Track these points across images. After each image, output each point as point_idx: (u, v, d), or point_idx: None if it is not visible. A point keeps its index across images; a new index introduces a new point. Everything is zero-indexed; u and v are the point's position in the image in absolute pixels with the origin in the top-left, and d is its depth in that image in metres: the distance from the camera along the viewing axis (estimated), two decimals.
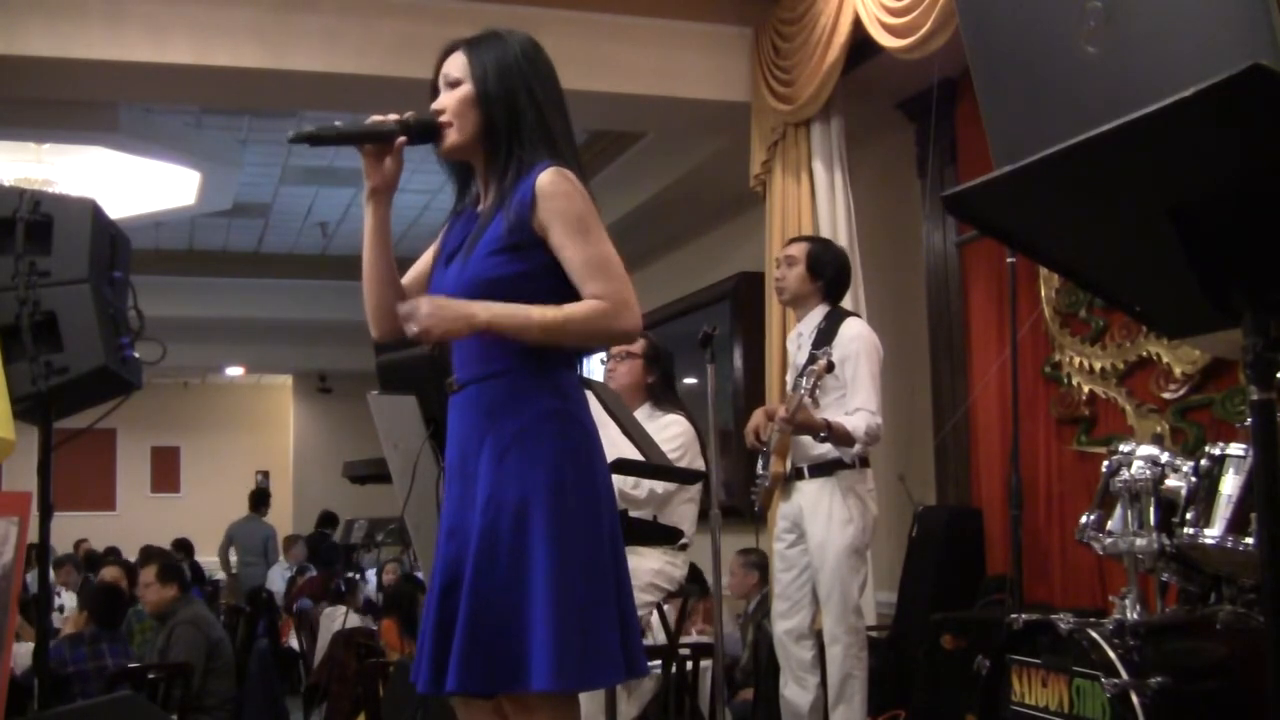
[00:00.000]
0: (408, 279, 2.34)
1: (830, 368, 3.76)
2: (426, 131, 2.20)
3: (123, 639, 5.21)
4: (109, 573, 6.89)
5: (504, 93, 2.18)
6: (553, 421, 2.11)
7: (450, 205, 2.37)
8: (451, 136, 2.19)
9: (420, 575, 6.02)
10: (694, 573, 4.78)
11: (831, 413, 3.84)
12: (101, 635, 4.97)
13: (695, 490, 3.99)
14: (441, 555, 2.13)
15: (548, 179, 2.11)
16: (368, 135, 2.19)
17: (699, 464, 3.97)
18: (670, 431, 3.92)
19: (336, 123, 2.20)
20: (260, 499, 11.98)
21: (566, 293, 2.13)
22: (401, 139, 2.18)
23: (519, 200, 2.12)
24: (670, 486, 3.83)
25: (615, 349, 4.06)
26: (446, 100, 2.20)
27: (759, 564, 5.54)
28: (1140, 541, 3.01)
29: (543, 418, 2.10)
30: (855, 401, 3.85)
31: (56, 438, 3.23)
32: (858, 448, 3.85)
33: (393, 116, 2.19)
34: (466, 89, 2.19)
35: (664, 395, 4.11)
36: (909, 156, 5.60)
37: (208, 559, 11.68)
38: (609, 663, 2.08)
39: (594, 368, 5.94)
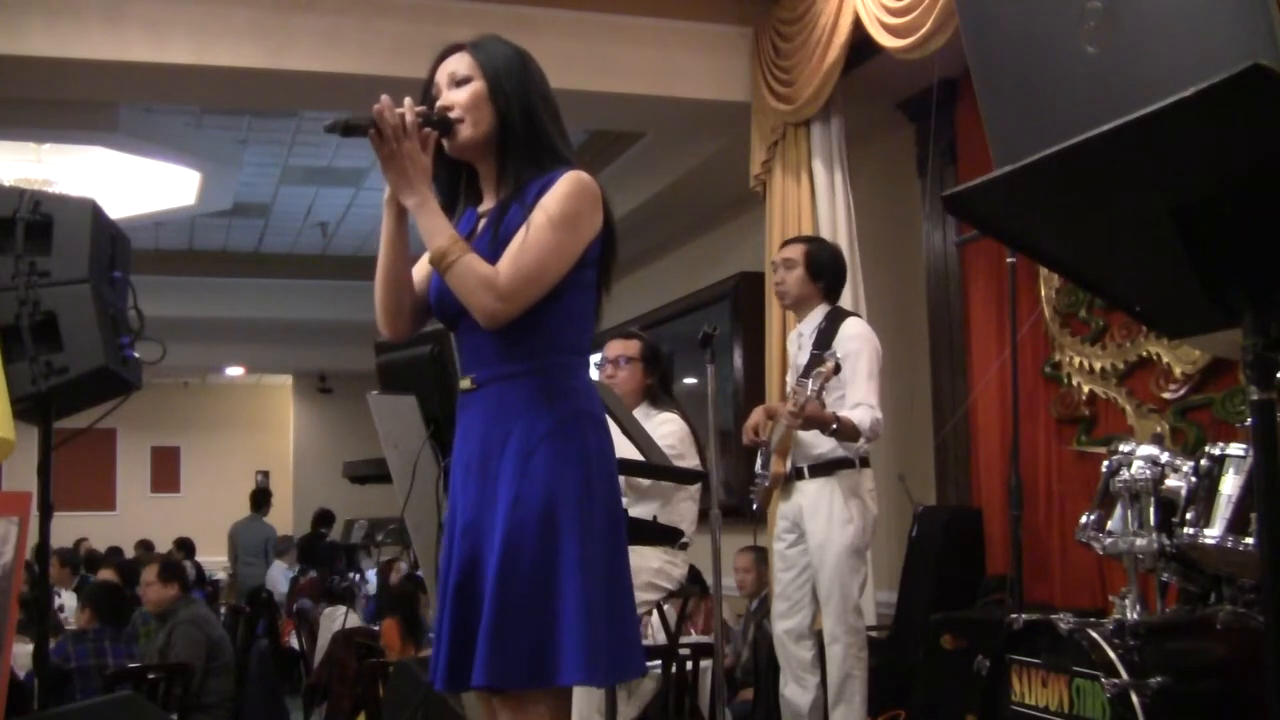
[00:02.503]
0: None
1: (838, 369, 3.76)
2: (441, 126, 2.16)
3: (127, 637, 5.21)
4: (103, 573, 6.91)
5: (517, 90, 2.19)
6: (579, 422, 2.12)
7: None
8: (465, 131, 2.17)
9: (420, 575, 6.01)
10: (694, 573, 4.78)
11: (833, 410, 3.84)
12: (105, 633, 4.97)
13: (694, 488, 3.99)
14: (456, 553, 2.12)
15: (574, 174, 2.13)
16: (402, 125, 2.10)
17: (695, 460, 3.98)
18: (665, 429, 3.93)
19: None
20: (262, 499, 11.95)
21: (588, 281, 2.16)
22: (429, 130, 2.14)
23: (539, 191, 2.12)
24: None
25: (612, 354, 4.06)
26: (457, 96, 2.18)
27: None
28: (1140, 541, 3.01)
29: (570, 418, 2.11)
30: (855, 396, 3.85)
31: (56, 438, 3.23)
32: (862, 442, 3.85)
33: (410, 106, 2.13)
34: (479, 85, 2.17)
35: (661, 395, 4.12)
36: (909, 156, 5.60)
37: (207, 559, 11.67)
38: (631, 657, 2.12)
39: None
